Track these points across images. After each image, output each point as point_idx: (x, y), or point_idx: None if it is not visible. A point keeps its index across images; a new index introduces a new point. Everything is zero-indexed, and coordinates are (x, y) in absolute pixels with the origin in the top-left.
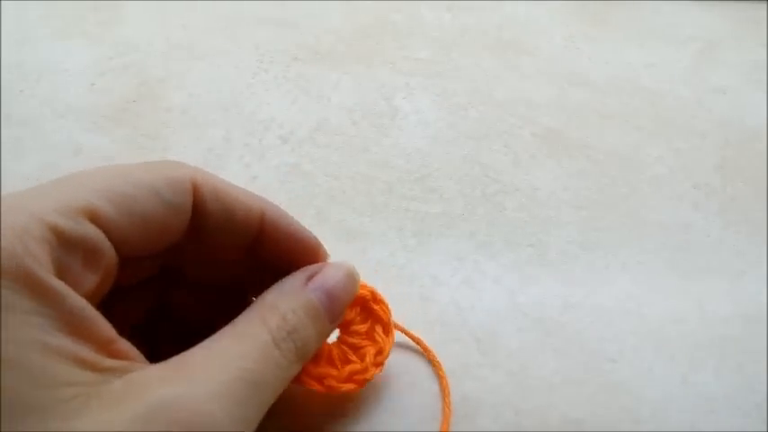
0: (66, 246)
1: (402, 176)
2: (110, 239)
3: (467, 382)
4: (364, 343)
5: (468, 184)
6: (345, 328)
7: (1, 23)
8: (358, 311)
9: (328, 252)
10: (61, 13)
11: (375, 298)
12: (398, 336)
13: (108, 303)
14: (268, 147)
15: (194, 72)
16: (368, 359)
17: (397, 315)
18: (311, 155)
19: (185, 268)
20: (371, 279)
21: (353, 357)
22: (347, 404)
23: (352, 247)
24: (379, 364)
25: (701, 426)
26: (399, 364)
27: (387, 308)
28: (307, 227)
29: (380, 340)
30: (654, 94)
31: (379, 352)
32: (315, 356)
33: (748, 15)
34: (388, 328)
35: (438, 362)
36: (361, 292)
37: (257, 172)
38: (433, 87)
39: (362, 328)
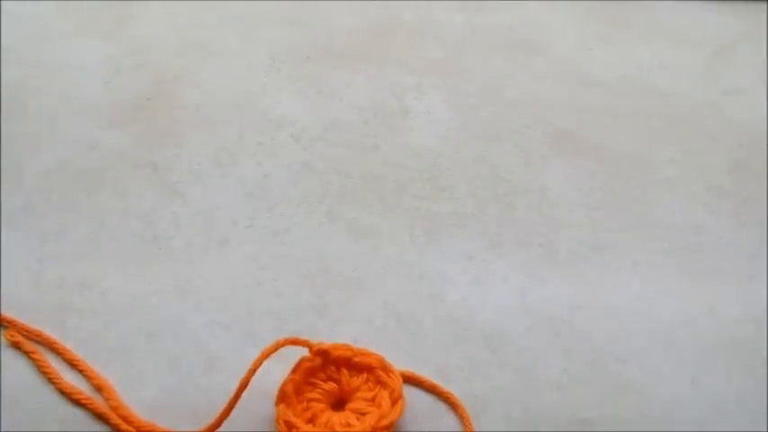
0: None
1: (413, 176)
2: None
3: (475, 381)
4: (369, 409)
5: (479, 184)
6: (351, 394)
7: (18, 22)
8: (365, 378)
9: (338, 251)
10: (77, 12)
11: (384, 366)
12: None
13: None
14: (280, 145)
15: (208, 70)
16: (367, 422)
17: (407, 313)
18: (323, 153)
19: None
20: (382, 278)
21: (355, 422)
22: None
23: (363, 245)
24: (382, 429)
25: (710, 427)
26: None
27: (397, 377)
28: (318, 225)
29: (386, 406)
30: (666, 96)
31: (382, 417)
32: (314, 422)
33: (762, 17)
34: (395, 395)
35: (468, 419)
36: (368, 359)
37: (269, 170)
38: (445, 87)
39: (369, 394)
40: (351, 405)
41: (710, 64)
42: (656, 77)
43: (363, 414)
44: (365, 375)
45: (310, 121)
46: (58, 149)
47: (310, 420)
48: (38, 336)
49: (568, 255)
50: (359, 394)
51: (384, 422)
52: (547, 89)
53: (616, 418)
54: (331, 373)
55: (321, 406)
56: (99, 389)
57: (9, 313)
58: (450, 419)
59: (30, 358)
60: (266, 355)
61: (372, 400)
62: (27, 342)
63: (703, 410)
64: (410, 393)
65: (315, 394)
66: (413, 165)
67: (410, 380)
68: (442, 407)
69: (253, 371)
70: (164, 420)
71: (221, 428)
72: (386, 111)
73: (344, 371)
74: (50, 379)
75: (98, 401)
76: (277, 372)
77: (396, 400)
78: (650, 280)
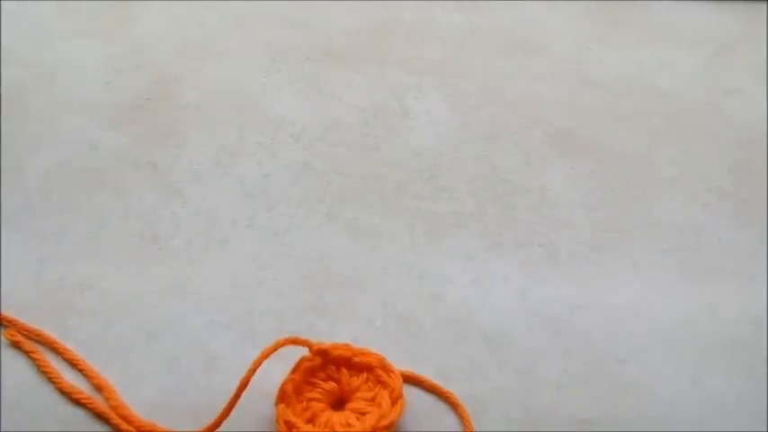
0: None
1: (413, 176)
2: None
3: (475, 381)
4: (369, 409)
5: (479, 184)
6: (351, 394)
7: (18, 22)
8: (365, 378)
9: (338, 251)
10: (77, 12)
11: (384, 366)
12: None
13: None
14: (280, 145)
15: (208, 70)
16: (367, 422)
17: (407, 313)
18: (323, 153)
19: None
20: (382, 278)
21: (355, 422)
22: None
23: (363, 245)
24: (382, 429)
25: (710, 427)
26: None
27: (397, 377)
28: (318, 225)
29: (386, 406)
30: (666, 96)
31: (382, 417)
32: (314, 421)
33: (762, 17)
34: (395, 395)
35: (468, 419)
36: (368, 359)
37: (269, 170)
38: (445, 87)
39: (369, 394)
40: (351, 405)
41: (710, 64)
42: (655, 77)
43: (363, 414)
44: (365, 375)
45: (310, 121)
46: (58, 149)
47: (310, 420)
48: (38, 336)
49: (568, 255)
50: (359, 394)
51: (384, 422)
52: (547, 89)
53: (616, 418)
54: (331, 373)
55: (321, 406)
56: (99, 389)
57: (9, 313)
58: (450, 419)
59: (30, 358)
60: (266, 355)
61: (372, 399)
62: (27, 342)
63: (703, 410)
64: (410, 393)
65: (315, 394)
66: (413, 165)
67: (410, 380)
68: (442, 407)
69: (253, 371)
70: (164, 420)
71: (221, 428)
72: (386, 111)
73: (344, 371)
74: (50, 379)
75: (98, 401)
76: (277, 372)
77: (396, 399)
78: (650, 280)
